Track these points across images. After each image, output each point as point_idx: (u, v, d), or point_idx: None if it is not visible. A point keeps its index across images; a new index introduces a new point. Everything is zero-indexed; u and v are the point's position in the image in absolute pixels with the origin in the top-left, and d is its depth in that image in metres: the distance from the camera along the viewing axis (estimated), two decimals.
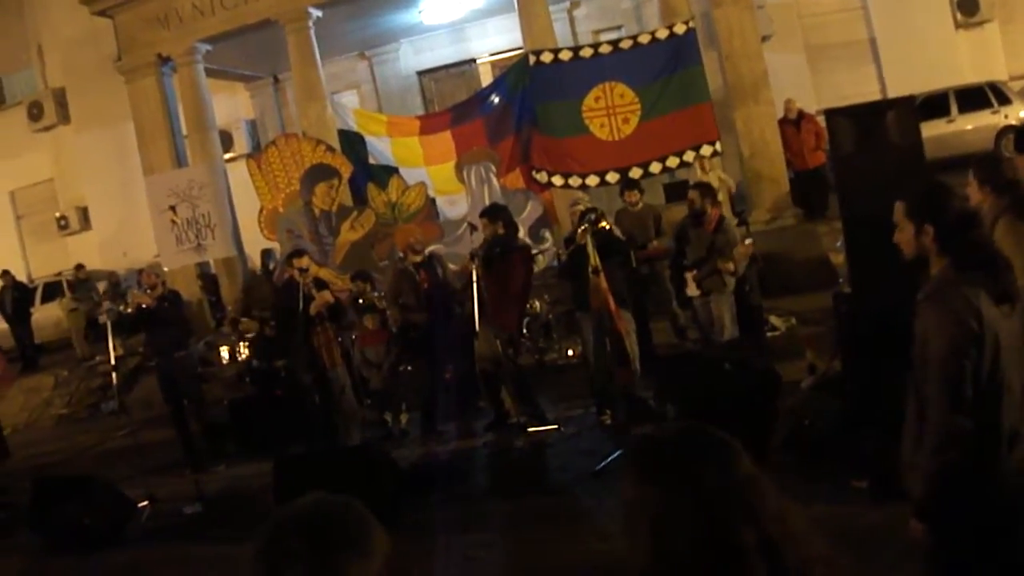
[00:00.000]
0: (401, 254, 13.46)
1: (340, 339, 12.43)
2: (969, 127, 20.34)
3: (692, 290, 11.78)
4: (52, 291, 25.51)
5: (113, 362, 13.08)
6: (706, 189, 12.23)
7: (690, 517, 1.86)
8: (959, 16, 23.53)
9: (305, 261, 11.88)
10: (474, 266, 11.21)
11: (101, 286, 23.96)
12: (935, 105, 20.31)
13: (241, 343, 15.98)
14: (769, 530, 1.86)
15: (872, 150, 9.69)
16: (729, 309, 11.63)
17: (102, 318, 16.07)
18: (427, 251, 13.07)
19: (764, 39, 20.53)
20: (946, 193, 4.20)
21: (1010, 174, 6.61)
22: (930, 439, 3.88)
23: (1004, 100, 20.79)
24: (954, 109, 20.68)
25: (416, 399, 12.71)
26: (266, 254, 19.98)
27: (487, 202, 14.71)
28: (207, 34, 21.58)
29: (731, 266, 11.39)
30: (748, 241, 12.26)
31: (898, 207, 4.20)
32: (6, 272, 24.07)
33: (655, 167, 15.04)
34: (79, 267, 24.34)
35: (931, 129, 17.61)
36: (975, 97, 20.79)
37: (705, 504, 1.86)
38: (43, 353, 24.39)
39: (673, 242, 12.58)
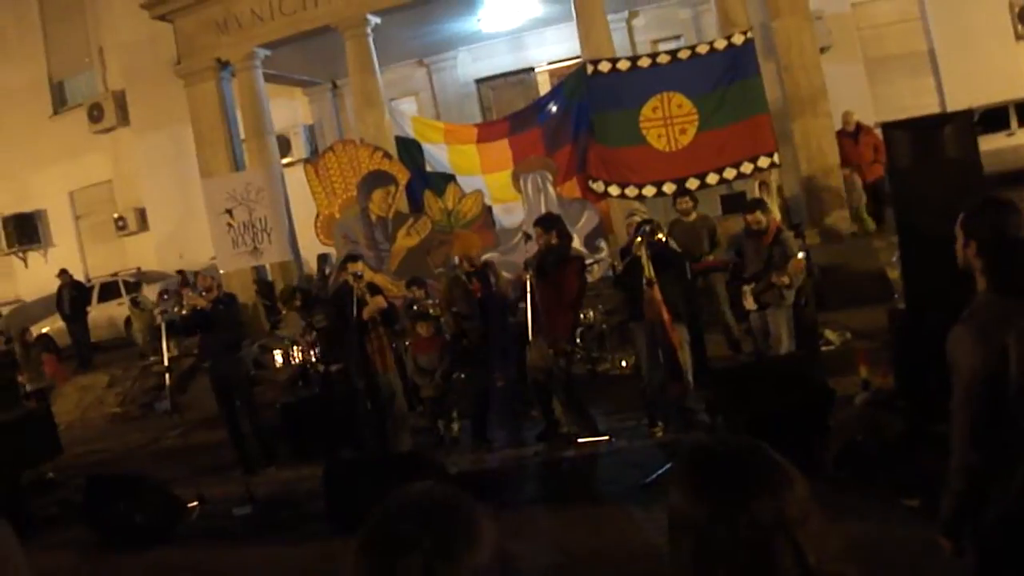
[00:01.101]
0: (456, 261, 13.46)
1: (393, 345, 12.47)
2: None
3: (749, 304, 11.71)
4: (109, 291, 25.74)
5: (167, 363, 13.21)
6: (763, 205, 12.19)
7: (735, 547, 1.82)
8: (1020, 28, 23.25)
9: (359, 266, 11.89)
10: (528, 276, 11.21)
11: (157, 287, 24.15)
12: (994, 118, 19.95)
13: (295, 347, 16.01)
14: (811, 566, 1.82)
15: (929, 164, 9.62)
16: (786, 323, 11.54)
17: (157, 319, 16.23)
18: (482, 259, 13.08)
19: (822, 50, 20.41)
20: (997, 210, 4.14)
21: None
22: (951, 461, 3.88)
23: None
24: (1014, 122, 20.32)
25: (468, 407, 12.72)
26: (322, 259, 20.16)
27: (543, 211, 14.66)
28: (266, 39, 21.78)
29: (786, 279, 11.32)
30: (801, 255, 12.17)
31: (960, 216, 4.17)
32: (64, 271, 24.35)
33: (712, 178, 14.91)
34: (182, 273, 24.40)
35: (990, 143, 17.42)
36: None
37: (751, 537, 1.81)
38: (98, 352, 24.63)
39: (734, 254, 12.52)
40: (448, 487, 1.97)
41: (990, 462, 3.76)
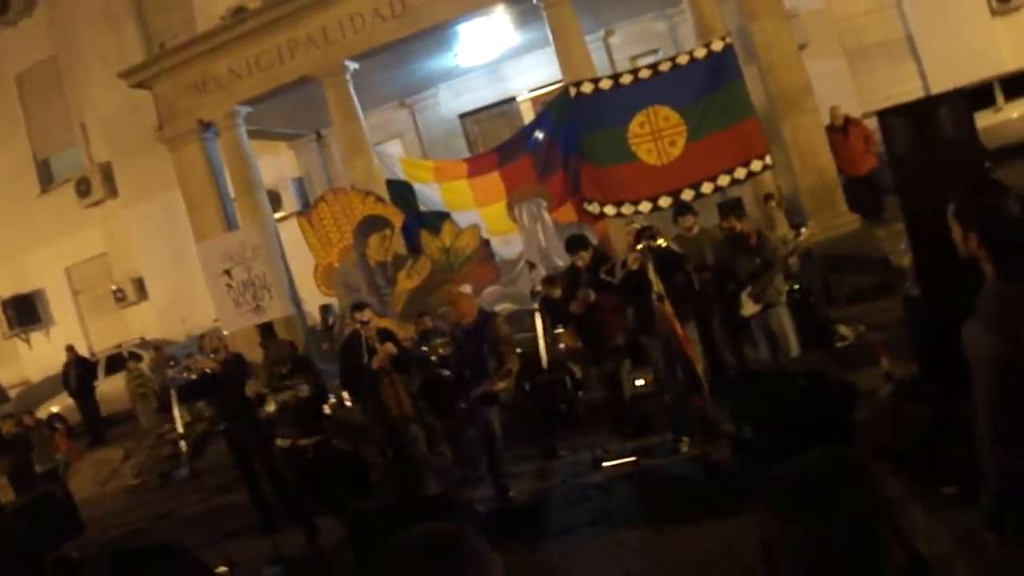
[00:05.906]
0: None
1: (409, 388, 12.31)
2: (1016, 115, 20.10)
3: (749, 308, 11.62)
4: (115, 364, 25.63)
5: (181, 430, 13.10)
6: (737, 209, 12.21)
7: (838, 545, 1.76)
8: (994, 3, 23.34)
9: (367, 314, 11.72)
10: (535, 307, 11.18)
11: (149, 355, 24.12)
12: (980, 96, 19.90)
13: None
14: (919, 551, 1.75)
15: (927, 148, 9.53)
16: (789, 320, 11.48)
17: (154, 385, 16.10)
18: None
19: (801, 47, 20.38)
20: (993, 194, 3.96)
21: None
22: (981, 456, 3.78)
23: None
24: (1000, 98, 20.39)
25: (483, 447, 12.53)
26: (324, 309, 20.05)
27: (541, 239, 14.65)
28: (246, 96, 21.71)
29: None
30: (804, 230, 12.09)
31: (950, 207, 3.99)
32: (71, 347, 24.37)
33: (706, 187, 14.79)
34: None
35: (979, 120, 17.31)
36: (1020, 84, 20.49)
37: (853, 529, 1.76)
38: (111, 425, 24.50)
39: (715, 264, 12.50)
40: (450, 526, 1.93)
41: (1019, 452, 3.64)
